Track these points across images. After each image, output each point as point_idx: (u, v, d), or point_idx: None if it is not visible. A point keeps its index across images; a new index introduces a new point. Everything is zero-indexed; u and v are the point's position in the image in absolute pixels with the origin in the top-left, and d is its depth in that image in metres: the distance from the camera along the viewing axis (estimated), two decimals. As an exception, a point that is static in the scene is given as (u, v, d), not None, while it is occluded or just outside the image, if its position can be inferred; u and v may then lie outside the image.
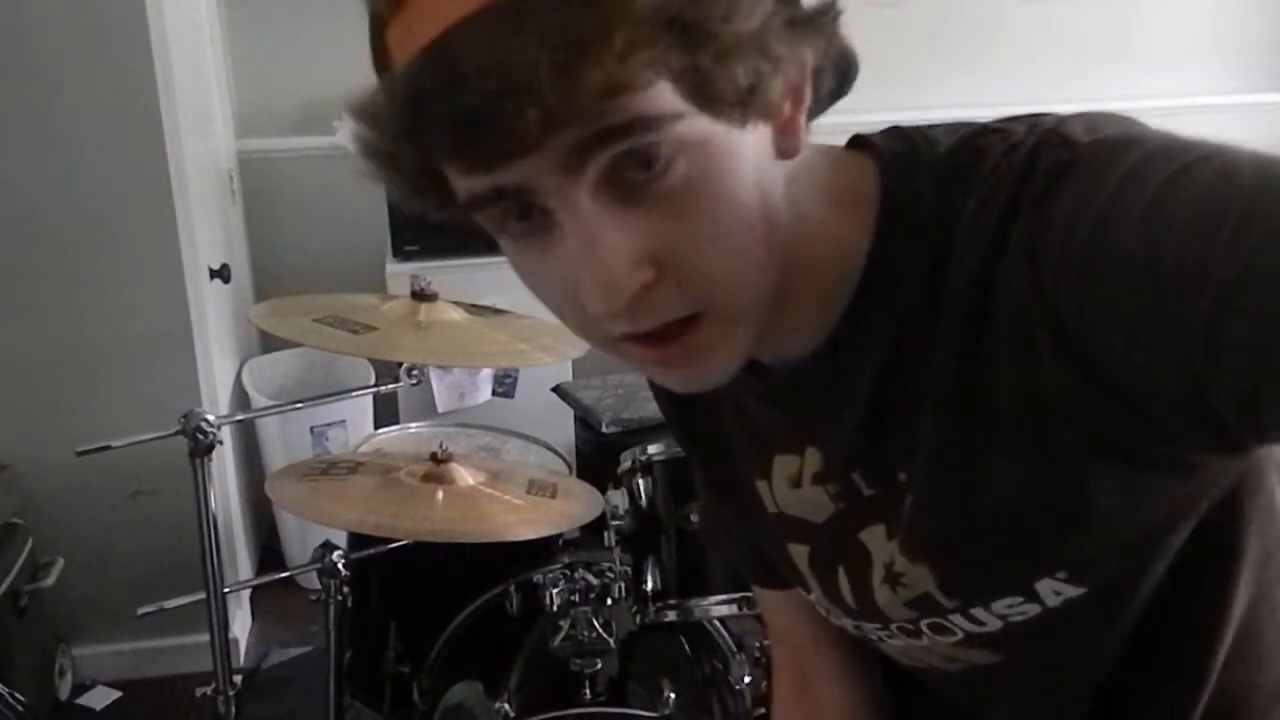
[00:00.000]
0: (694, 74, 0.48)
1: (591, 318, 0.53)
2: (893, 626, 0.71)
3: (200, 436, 1.61)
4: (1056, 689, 0.72)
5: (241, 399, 2.96)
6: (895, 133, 0.65)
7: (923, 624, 0.69)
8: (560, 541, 1.90)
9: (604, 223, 0.51)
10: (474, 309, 1.83)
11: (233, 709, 1.75)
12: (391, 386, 1.84)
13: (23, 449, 2.38)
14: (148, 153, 2.31)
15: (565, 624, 1.65)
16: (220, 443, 1.65)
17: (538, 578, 1.70)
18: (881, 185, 0.61)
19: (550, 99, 0.46)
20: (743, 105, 0.50)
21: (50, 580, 2.38)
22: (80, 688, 2.55)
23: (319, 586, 1.71)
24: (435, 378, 2.87)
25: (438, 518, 1.60)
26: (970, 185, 0.57)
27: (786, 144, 0.56)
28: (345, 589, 1.71)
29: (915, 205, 0.60)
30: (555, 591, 1.66)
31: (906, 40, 3.59)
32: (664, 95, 0.48)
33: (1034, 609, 0.63)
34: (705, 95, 0.49)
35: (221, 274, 2.67)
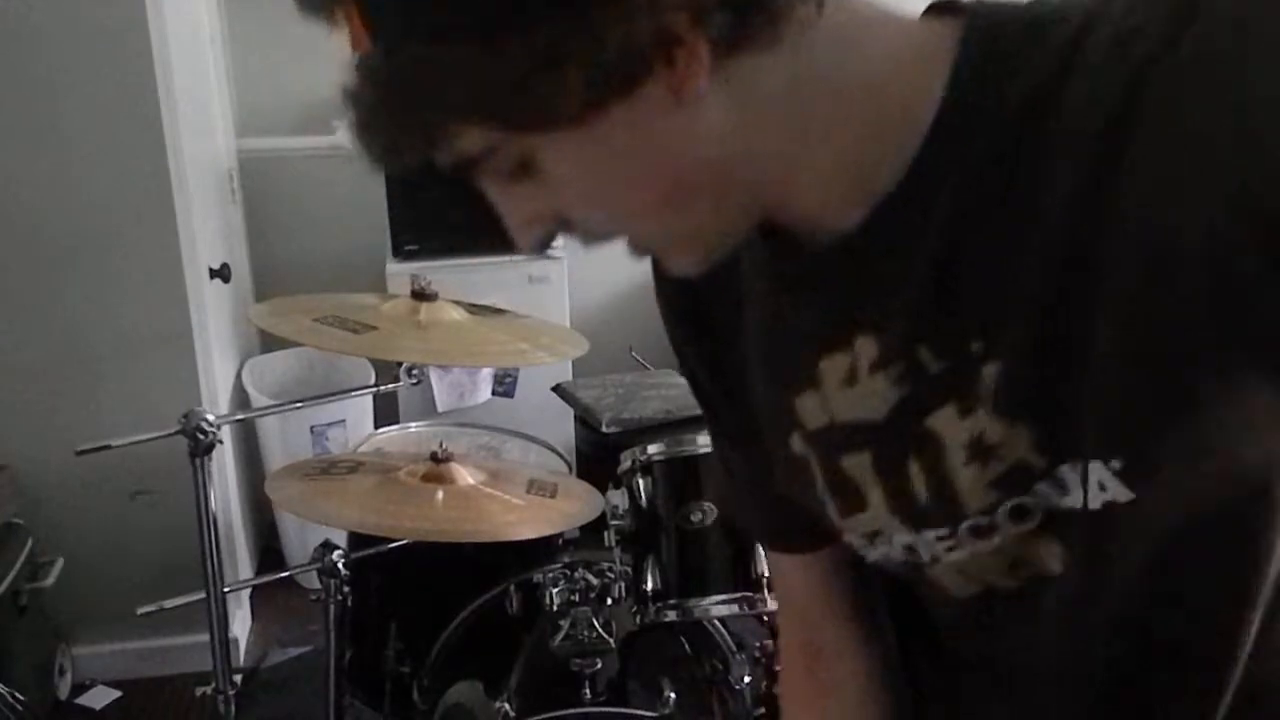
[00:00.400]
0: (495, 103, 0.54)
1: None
2: (962, 528, 0.63)
3: (200, 436, 1.61)
4: (1089, 642, 0.65)
5: (241, 399, 2.96)
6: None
7: (1000, 511, 0.61)
8: (560, 541, 1.90)
9: (498, 197, 0.61)
10: (474, 309, 1.83)
11: (233, 709, 1.75)
12: (391, 386, 1.84)
13: (23, 449, 2.38)
14: (148, 153, 2.31)
15: (565, 624, 1.65)
16: (220, 442, 1.65)
17: (538, 578, 1.70)
18: (965, 27, 0.57)
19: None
20: (553, 115, 0.53)
21: (50, 580, 2.38)
22: (80, 687, 2.56)
23: (319, 586, 1.71)
24: (435, 377, 2.88)
25: (438, 518, 1.60)
26: (1091, 18, 0.52)
27: (682, 90, 0.54)
28: (345, 589, 1.71)
29: (1009, 32, 0.56)
30: (555, 591, 1.66)
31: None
32: (471, 136, 0.56)
33: (1116, 491, 0.56)
34: (507, 124, 0.55)
35: (221, 274, 2.67)
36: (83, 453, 1.63)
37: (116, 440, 1.65)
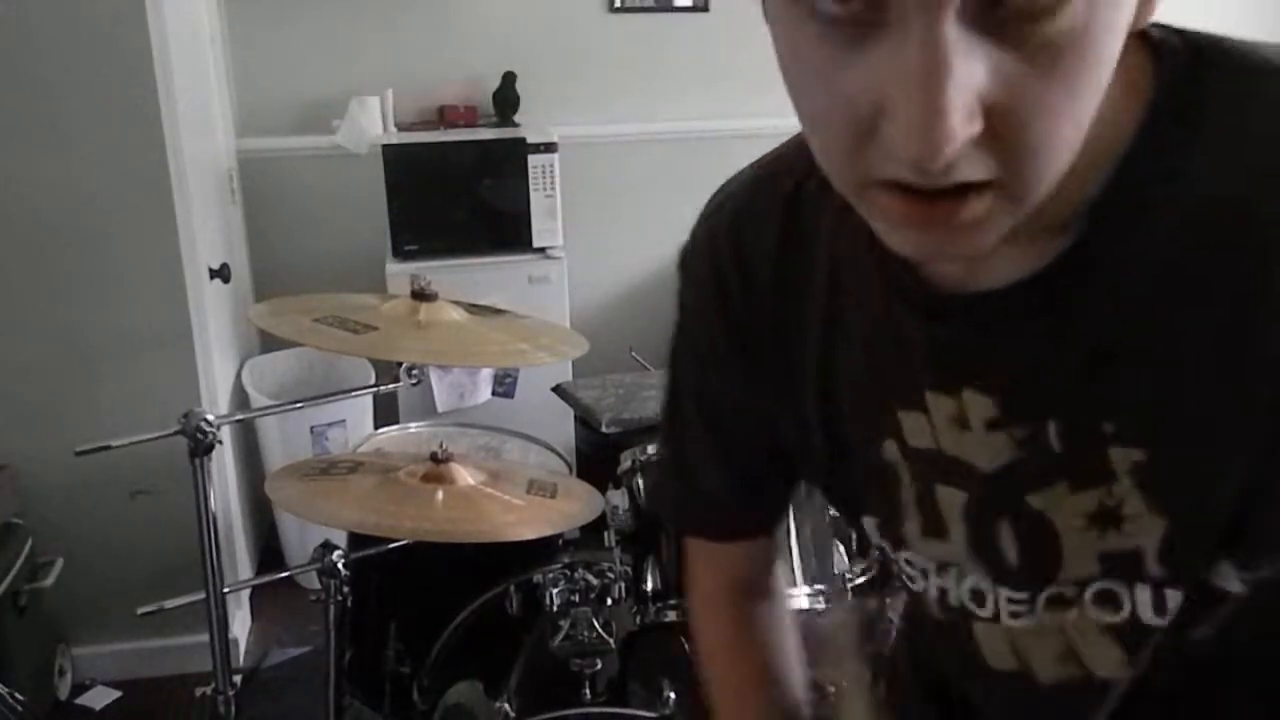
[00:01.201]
0: None
1: (870, 147, 0.46)
2: (1043, 595, 0.61)
3: (200, 436, 1.61)
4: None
5: (241, 399, 2.96)
6: (1172, 29, 0.55)
7: (1093, 588, 0.59)
8: (560, 541, 1.90)
9: (964, 48, 0.42)
10: (474, 309, 1.83)
11: (233, 709, 1.75)
12: (391, 386, 1.84)
13: (23, 449, 2.38)
14: (148, 153, 2.31)
15: (565, 624, 1.65)
16: (220, 442, 1.65)
17: (538, 578, 1.70)
18: (1157, 75, 0.52)
19: None
20: None
21: (50, 580, 2.38)
22: (80, 688, 2.55)
23: (319, 586, 1.71)
24: (435, 378, 2.88)
25: (438, 518, 1.60)
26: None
27: (1147, 12, 0.49)
28: (345, 589, 1.71)
29: (1197, 97, 0.52)
30: (555, 591, 1.66)
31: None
32: None
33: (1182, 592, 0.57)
34: None
35: (221, 274, 2.67)
36: (82, 453, 1.62)
37: (116, 440, 1.65)
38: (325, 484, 1.75)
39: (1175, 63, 0.52)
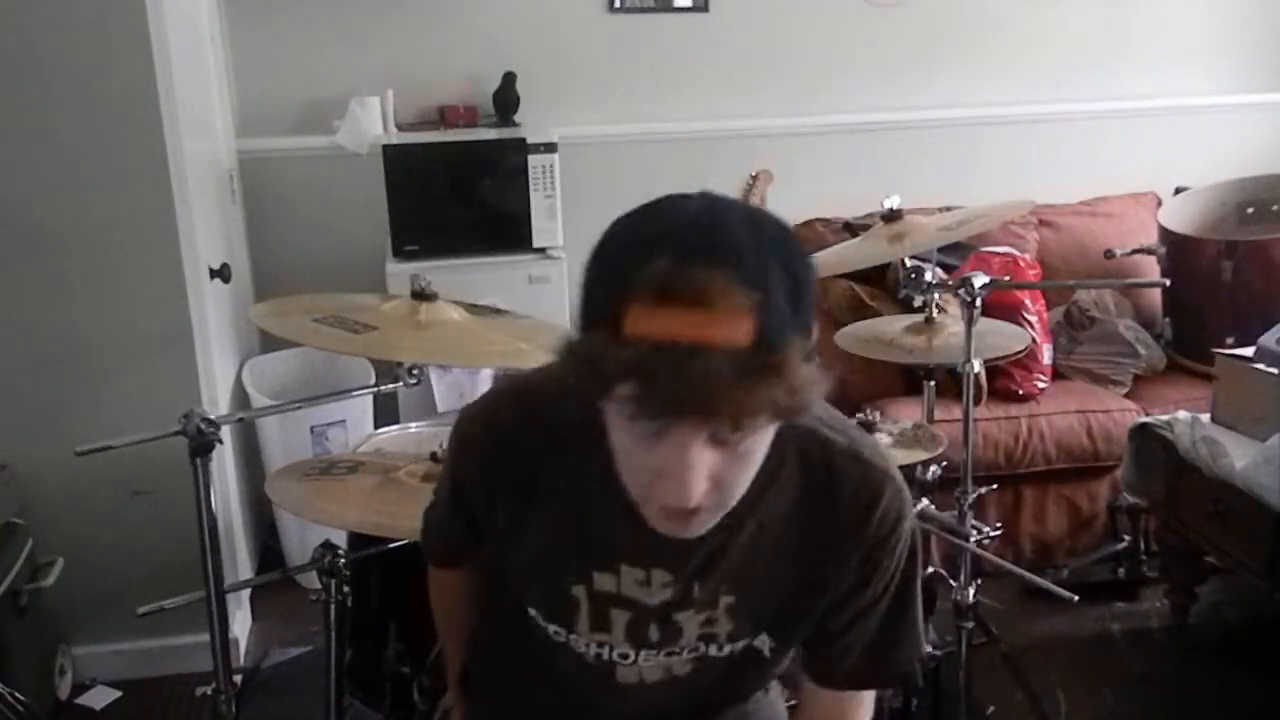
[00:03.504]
0: (783, 412, 0.85)
1: (658, 488, 0.89)
2: (664, 651, 1.11)
3: (200, 436, 1.61)
4: (683, 704, 1.17)
5: (241, 399, 2.96)
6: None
7: (690, 648, 1.11)
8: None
9: (704, 459, 0.87)
10: (474, 309, 1.83)
11: (233, 709, 1.76)
12: (391, 386, 1.84)
13: (23, 449, 2.38)
14: (148, 153, 2.31)
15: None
16: (220, 442, 1.66)
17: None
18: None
19: (727, 412, 0.82)
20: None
21: (50, 580, 2.38)
22: (80, 687, 2.56)
23: (319, 586, 1.71)
24: (435, 378, 2.88)
25: (438, 518, 1.60)
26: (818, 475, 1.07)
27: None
28: (345, 589, 1.71)
29: (780, 456, 1.03)
30: (555, 591, 1.66)
31: (906, 40, 3.59)
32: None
33: (737, 649, 1.12)
34: (784, 417, 0.88)
35: (221, 274, 2.67)
36: (83, 453, 1.62)
37: (116, 440, 1.65)
38: (325, 484, 1.75)
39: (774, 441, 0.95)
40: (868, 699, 1.22)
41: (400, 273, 2.94)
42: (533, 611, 1.14)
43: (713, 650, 1.12)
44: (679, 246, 0.83)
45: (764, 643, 1.12)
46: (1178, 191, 3.59)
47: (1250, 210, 3.37)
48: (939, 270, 2.53)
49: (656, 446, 0.86)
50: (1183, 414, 2.62)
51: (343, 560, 1.69)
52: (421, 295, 1.75)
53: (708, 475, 0.87)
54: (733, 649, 1.12)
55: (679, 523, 0.93)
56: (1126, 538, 2.95)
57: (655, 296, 0.81)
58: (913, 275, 2.29)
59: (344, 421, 2.92)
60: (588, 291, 0.88)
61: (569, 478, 1.07)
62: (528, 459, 1.08)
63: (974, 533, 2.10)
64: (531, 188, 3.02)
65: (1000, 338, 2.32)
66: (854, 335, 2.38)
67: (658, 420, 0.84)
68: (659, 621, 1.10)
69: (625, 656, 1.12)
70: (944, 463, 2.21)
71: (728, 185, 3.45)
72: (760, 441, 0.90)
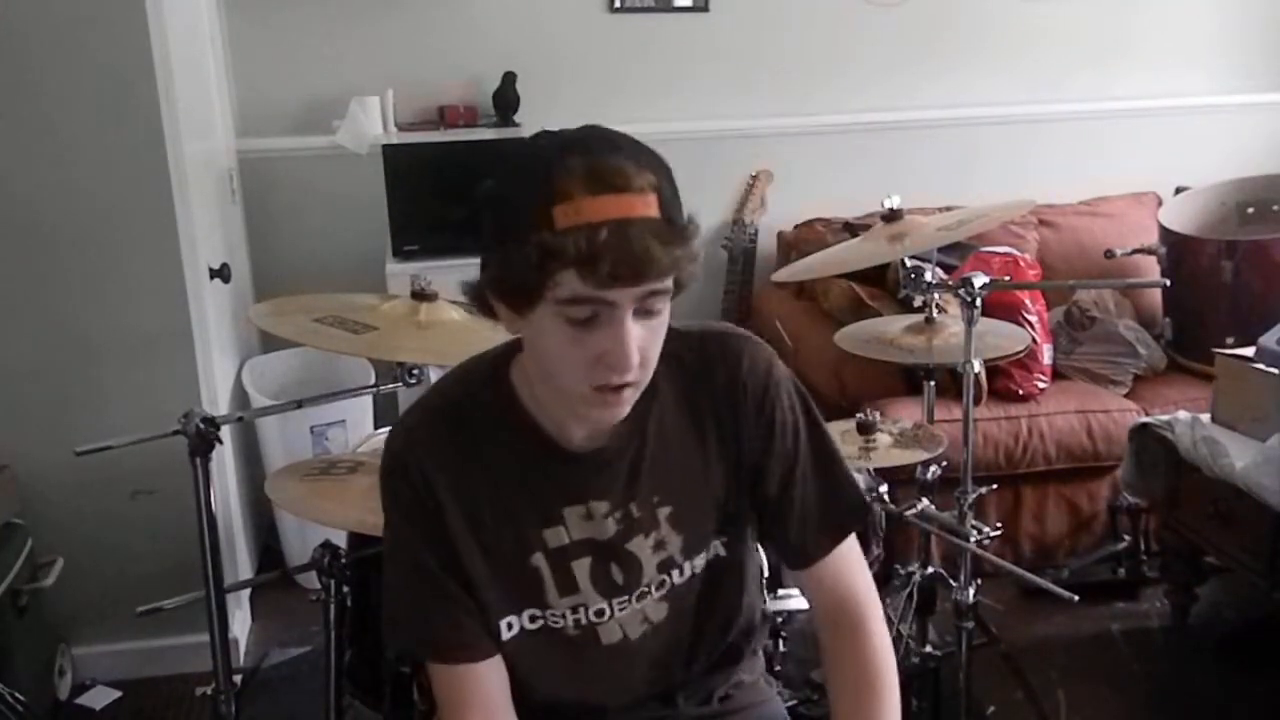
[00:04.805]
0: (685, 275, 1.01)
1: (595, 372, 1.01)
2: (634, 594, 1.18)
3: (200, 436, 1.61)
4: (671, 656, 1.23)
5: (241, 399, 2.96)
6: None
7: (655, 582, 1.18)
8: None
9: (635, 332, 1.00)
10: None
11: (233, 709, 1.75)
12: (391, 386, 1.84)
13: (23, 449, 2.38)
14: (148, 153, 2.31)
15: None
16: (220, 442, 1.66)
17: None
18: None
19: (655, 272, 0.97)
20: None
21: (50, 580, 2.38)
22: (80, 688, 2.55)
23: (319, 586, 1.71)
24: (435, 378, 2.87)
25: (438, 518, 1.60)
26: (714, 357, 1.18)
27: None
28: (345, 589, 1.71)
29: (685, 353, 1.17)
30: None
31: (906, 40, 3.59)
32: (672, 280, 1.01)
33: (701, 563, 1.20)
34: (686, 281, 1.03)
35: (221, 274, 2.67)
36: (83, 453, 1.63)
37: (116, 440, 1.65)
38: (325, 484, 1.75)
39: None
40: (858, 562, 1.26)
41: (400, 273, 2.94)
42: (506, 621, 1.16)
43: (676, 577, 1.19)
44: (585, 147, 0.98)
45: (717, 547, 1.21)
46: (1178, 191, 3.58)
47: (1250, 210, 3.37)
48: (939, 270, 2.53)
49: (592, 333, 0.98)
50: (1183, 414, 2.62)
51: (343, 560, 1.69)
52: (421, 295, 1.75)
53: (637, 347, 0.99)
54: (693, 567, 1.19)
55: (611, 405, 1.04)
56: (1126, 538, 2.95)
57: (581, 186, 0.94)
58: (913, 275, 2.29)
59: (344, 421, 2.92)
60: (500, 215, 1.00)
61: (493, 450, 1.14)
62: (454, 449, 1.14)
63: (974, 533, 2.10)
64: (532, 188, 3.01)
65: (1000, 338, 2.33)
66: (854, 335, 2.39)
67: (601, 291, 0.95)
68: (617, 560, 1.17)
69: (601, 614, 1.18)
70: (944, 463, 2.21)
71: (728, 185, 3.46)
72: (666, 314, 1.03)
